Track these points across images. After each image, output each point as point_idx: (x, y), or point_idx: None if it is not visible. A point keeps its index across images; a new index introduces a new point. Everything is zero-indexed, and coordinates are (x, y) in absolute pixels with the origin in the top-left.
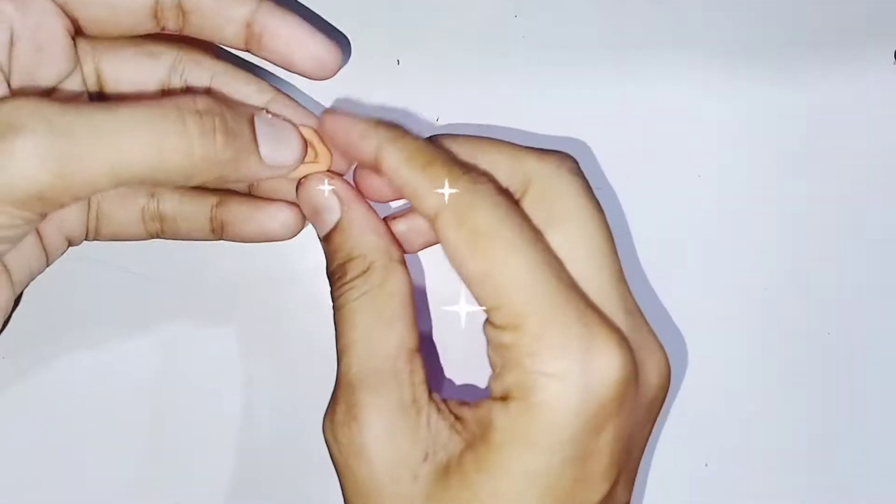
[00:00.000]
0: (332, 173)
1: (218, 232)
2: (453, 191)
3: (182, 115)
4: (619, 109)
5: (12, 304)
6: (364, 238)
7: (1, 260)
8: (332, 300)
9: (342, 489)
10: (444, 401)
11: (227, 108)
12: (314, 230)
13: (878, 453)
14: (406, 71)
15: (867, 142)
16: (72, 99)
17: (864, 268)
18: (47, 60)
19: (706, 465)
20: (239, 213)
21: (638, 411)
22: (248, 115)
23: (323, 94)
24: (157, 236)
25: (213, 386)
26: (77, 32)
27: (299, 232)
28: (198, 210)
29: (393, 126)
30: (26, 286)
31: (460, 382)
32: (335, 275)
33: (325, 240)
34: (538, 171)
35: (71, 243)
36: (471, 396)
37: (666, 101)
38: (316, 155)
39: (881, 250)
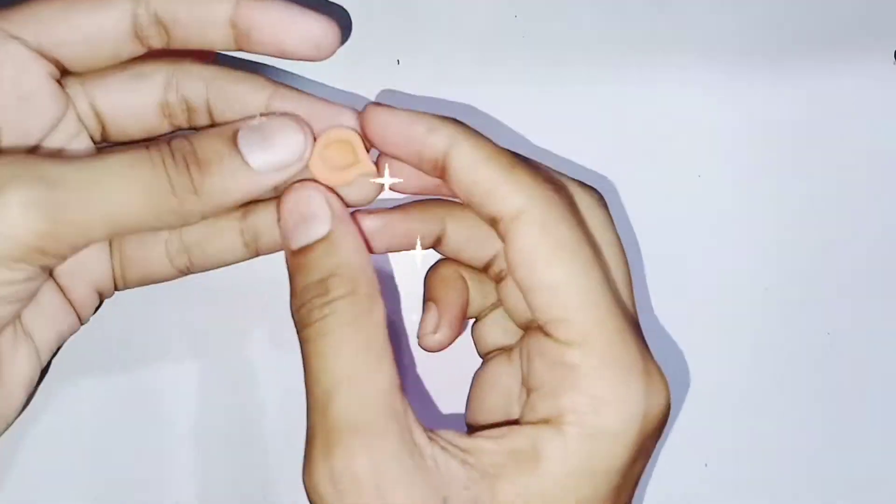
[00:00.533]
0: (319, 184)
1: (252, 246)
2: (540, 195)
3: (152, 157)
4: (619, 109)
5: (38, 374)
6: (354, 257)
7: (20, 324)
8: (305, 326)
9: None
10: (441, 436)
11: (200, 136)
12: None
13: (877, 453)
14: (406, 71)
15: (867, 141)
16: (60, 152)
17: (865, 268)
18: (35, 109)
19: (706, 465)
20: (270, 218)
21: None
22: (228, 133)
23: (325, 94)
24: (189, 271)
25: (213, 385)
26: (63, 73)
27: None
28: (224, 227)
29: (462, 123)
30: (56, 351)
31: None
32: (312, 292)
33: (302, 253)
34: (581, 200)
35: (102, 296)
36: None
37: (666, 101)
38: (353, 160)
39: (881, 250)
